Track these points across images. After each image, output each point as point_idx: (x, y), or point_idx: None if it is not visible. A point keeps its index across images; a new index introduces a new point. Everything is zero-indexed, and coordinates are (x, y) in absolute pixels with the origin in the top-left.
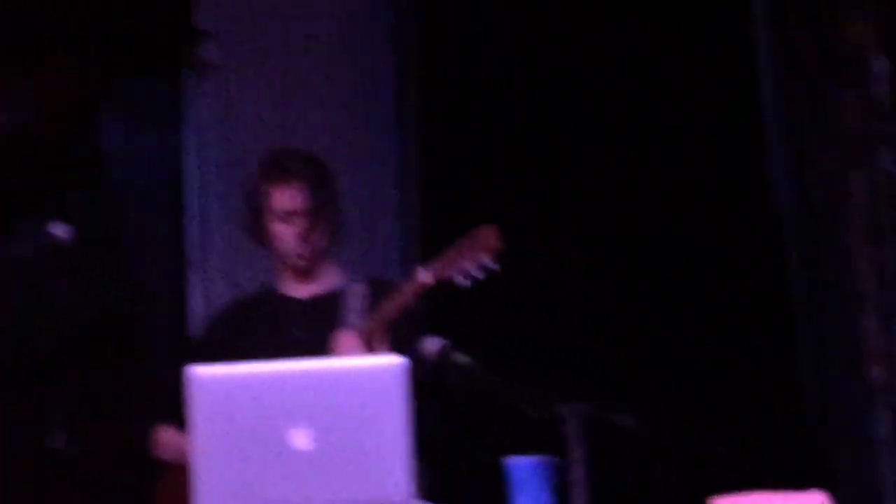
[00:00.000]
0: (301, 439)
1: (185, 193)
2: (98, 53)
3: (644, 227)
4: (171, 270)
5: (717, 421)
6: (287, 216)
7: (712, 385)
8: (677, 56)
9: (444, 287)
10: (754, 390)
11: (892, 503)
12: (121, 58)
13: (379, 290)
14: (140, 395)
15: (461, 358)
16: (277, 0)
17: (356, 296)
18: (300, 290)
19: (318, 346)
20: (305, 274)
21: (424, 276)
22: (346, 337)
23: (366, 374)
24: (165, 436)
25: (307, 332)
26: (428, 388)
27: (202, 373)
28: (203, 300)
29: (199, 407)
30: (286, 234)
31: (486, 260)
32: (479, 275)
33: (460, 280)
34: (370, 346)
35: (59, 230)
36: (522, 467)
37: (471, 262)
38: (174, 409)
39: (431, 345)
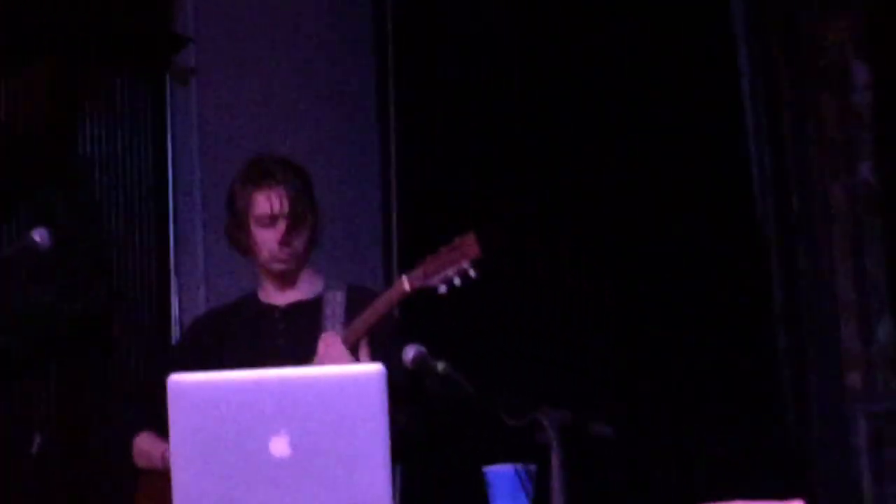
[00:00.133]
0: (280, 447)
1: (167, 198)
2: (77, 58)
3: (626, 236)
4: (151, 276)
5: (697, 429)
6: (267, 221)
7: (691, 393)
8: (659, 65)
9: (423, 294)
10: (733, 398)
11: None
12: (100, 62)
13: (358, 297)
14: (119, 402)
15: (439, 365)
16: (258, 6)
17: (335, 303)
18: (280, 298)
19: (298, 353)
20: (285, 280)
21: (404, 283)
22: (330, 339)
23: (345, 382)
24: (144, 444)
25: (286, 339)
26: (406, 395)
27: (182, 380)
28: (183, 306)
29: (178, 414)
30: (266, 239)
31: (466, 267)
32: (459, 282)
33: (440, 287)
34: (352, 351)
35: (39, 234)
36: (501, 475)
37: (451, 270)
38: (154, 416)
39: (409, 352)
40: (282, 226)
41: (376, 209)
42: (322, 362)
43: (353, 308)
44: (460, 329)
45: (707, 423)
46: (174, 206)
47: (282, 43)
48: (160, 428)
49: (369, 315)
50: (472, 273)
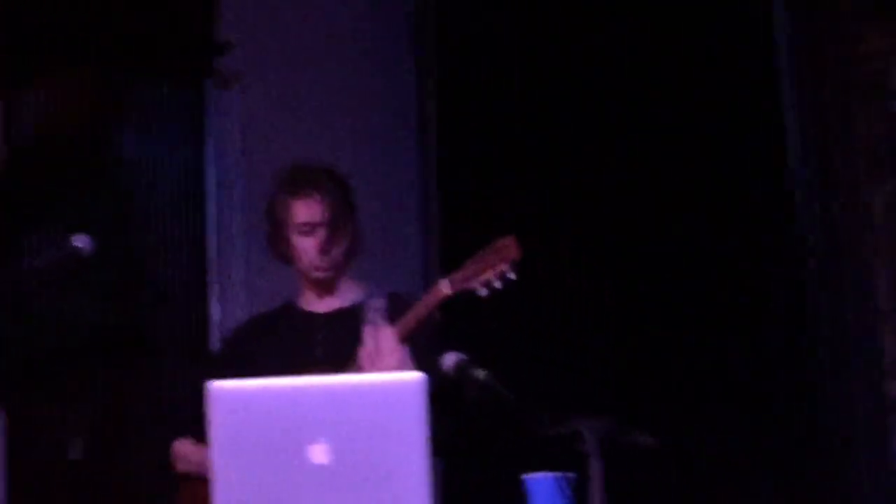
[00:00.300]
0: (320, 455)
1: (206, 205)
2: (120, 63)
3: (664, 245)
4: (192, 282)
5: (737, 438)
6: (307, 229)
7: (732, 402)
8: (700, 66)
9: (463, 298)
10: (774, 408)
11: None
12: (143, 68)
13: (398, 304)
14: (159, 408)
15: (479, 373)
16: (299, 12)
17: (375, 310)
18: (320, 305)
19: (337, 361)
20: (325, 288)
21: (445, 286)
22: (382, 333)
23: (385, 390)
24: (183, 448)
25: (325, 347)
26: (445, 401)
27: (222, 387)
28: (224, 312)
29: (218, 421)
30: (306, 248)
31: (507, 271)
32: (499, 286)
33: (480, 291)
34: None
35: (80, 241)
36: (541, 483)
37: (491, 273)
38: (193, 423)
39: (449, 359)
40: (321, 234)
41: (416, 216)
42: (371, 355)
43: (394, 315)
44: (500, 335)
45: (748, 433)
46: (215, 210)
47: (322, 49)
48: (200, 434)
49: (410, 319)
50: (512, 276)
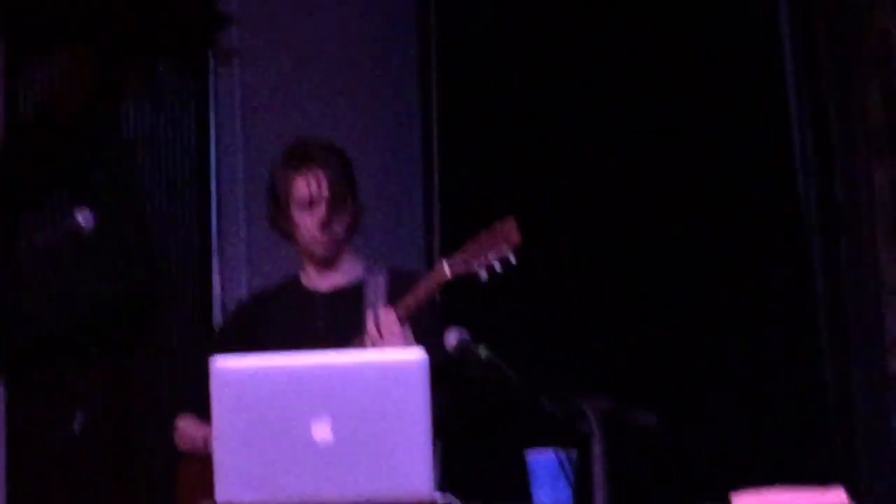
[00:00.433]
0: (322, 431)
1: (210, 180)
2: (121, 39)
3: (668, 222)
4: (195, 257)
5: (738, 416)
6: (308, 204)
7: (733, 380)
8: (701, 48)
9: (464, 280)
10: (775, 385)
11: None
12: (144, 44)
13: (399, 281)
14: (162, 384)
15: (481, 350)
16: None
17: (377, 287)
18: (322, 282)
19: (340, 338)
20: (327, 265)
21: (445, 269)
22: (385, 314)
23: (387, 368)
24: (186, 426)
25: (328, 323)
26: (447, 379)
27: (225, 363)
28: (225, 287)
29: (221, 397)
30: (307, 223)
31: (507, 253)
32: (500, 268)
33: (481, 273)
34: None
35: (83, 216)
36: (542, 460)
37: (491, 256)
38: (197, 399)
39: (452, 337)
40: (322, 209)
41: (418, 193)
42: (373, 337)
43: (395, 292)
44: (502, 313)
45: (749, 410)
46: (217, 187)
47: (325, 25)
48: (203, 411)
49: (410, 301)
50: (512, 259)
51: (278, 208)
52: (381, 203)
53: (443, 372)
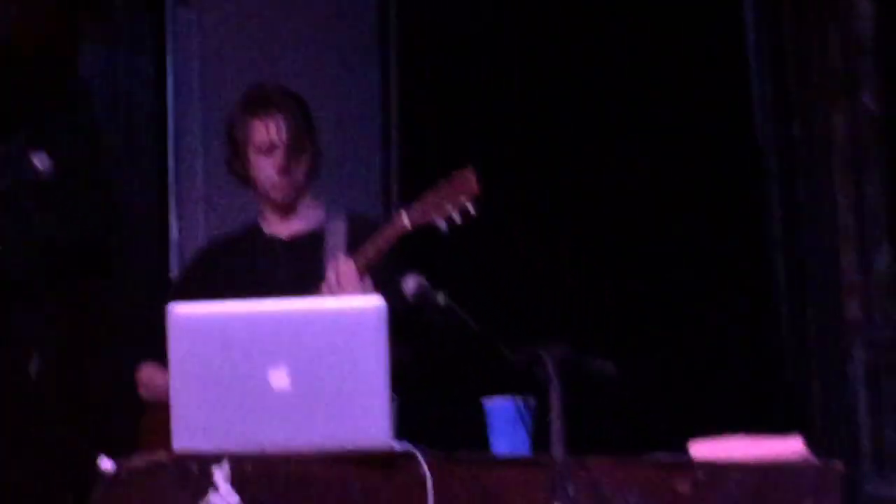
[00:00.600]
0: (280, 379)
1: (167, 122)
2: None
3: (624, 166)
4: (151, 201)
5: (694, 362)
6: (266, 149)
7: (690, 327)
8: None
9: (423, 230)
10: (731, 330)
11: (868, 441)
12: None
13: (359, 226)
14: (119, 328)
15: (440, 297)
16: None
17: (337, 233)
18: (281, 229)
19: (300, 284)
20: (286, 211)
21: (404, 219)
22: (343, 263)
23: (345, 316)
24: (148, 373)
25: (288, 270)
26: (405, 326)
27: (182, 310)
28: (182, 231)
29: (178, 345)
30: (265, 168)
31: (466, 203)
32: (459, 219)
33: (440, 224)
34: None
35: (39, 160)
36: (500, 407)
37: (450, 206)
38: (158, 347)
39: (410, 283)
40: (281, 154)
41: (376, 138)
42: (332, 287)
43: (355, 237)
44: (460, 262)
45: (705, 357)
46: (174, 130)
47: None
48: (165, 359)
49: (368, 250)
50: (471, 210)
51: (236, 153)
52: (339, 150)
53: (401, 320)
